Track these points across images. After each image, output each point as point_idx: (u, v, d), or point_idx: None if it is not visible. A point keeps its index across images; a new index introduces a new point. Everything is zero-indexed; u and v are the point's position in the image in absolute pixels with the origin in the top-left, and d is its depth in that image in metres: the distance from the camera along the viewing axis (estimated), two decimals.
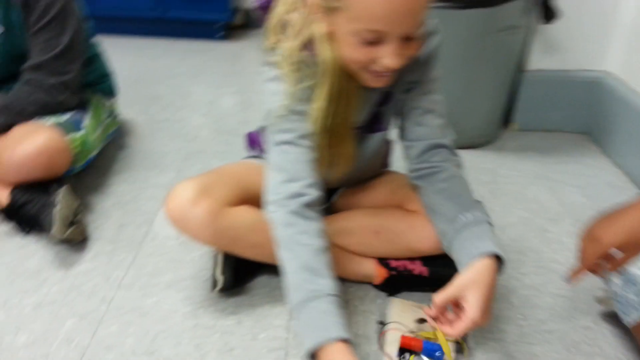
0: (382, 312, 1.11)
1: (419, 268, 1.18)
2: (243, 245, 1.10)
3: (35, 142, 1.30)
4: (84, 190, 1.50)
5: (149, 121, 1.95)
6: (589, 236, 0.89)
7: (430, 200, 1.07)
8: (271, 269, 1.20)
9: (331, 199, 1.28)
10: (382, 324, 1.08)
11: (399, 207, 1.18)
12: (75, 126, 1.43)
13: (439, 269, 1.16)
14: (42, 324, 1.09)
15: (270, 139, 1.01)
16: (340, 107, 1.00)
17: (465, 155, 1.76)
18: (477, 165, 1.77)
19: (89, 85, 1.60)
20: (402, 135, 1.12)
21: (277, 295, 1.18)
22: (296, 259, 0.94)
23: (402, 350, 1.00)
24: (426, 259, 1.17)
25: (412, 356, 0.98)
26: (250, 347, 1.06)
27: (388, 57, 0.88)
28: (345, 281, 1.21)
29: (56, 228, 1.21)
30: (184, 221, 1.06)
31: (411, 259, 1.18)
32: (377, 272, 1.18)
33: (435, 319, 0.94)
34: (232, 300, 1.17)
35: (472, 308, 0.88)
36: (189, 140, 1.83)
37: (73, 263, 1.26)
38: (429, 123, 1.08)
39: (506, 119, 1.99)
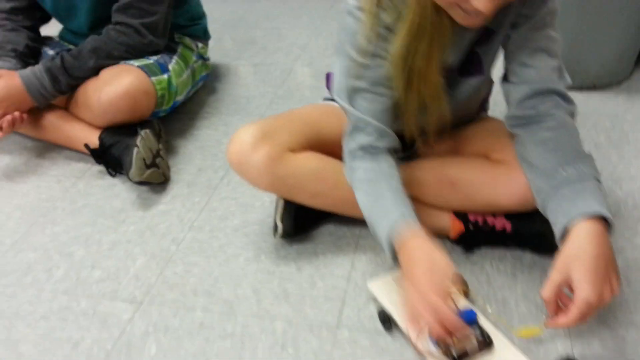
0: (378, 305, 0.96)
1: (501, 223, 1.04)
2: (304, 194, 1.04)
3: (121, 84, 1.33)
4: (170, 133, 1.54)
5: (241, 65, 1.94)
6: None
7: (528, 152, 0.92)
8: (337, 218, 1.15)
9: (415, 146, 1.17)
10: (386, 321, 0.92)
11: (485, 156, 1.04)
12: (161, 69, 1.44)
13: (524, 224, 1.01)
14: (116, 261, 1.13)
15: (344, 84, 0.93)
16: (425, 45, 0.86)
17: (586, 97, 1.57)
18: (599, 108, 1.53)
19: (179, 28, 1.60)
20: (506, 77, 0.96)
21: (341, 245, 1.12)
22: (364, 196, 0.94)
23: (439, 341, 0.82)
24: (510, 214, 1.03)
25: (454, 338, 0.81)
26: (307, 294, 1.01)
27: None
28: None
29: (133, 170, 1.24)
30: (243, 166, 1.02)
31: (495, 214, 1.04)
32: (452, 226, 1.06)
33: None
34: (295, 247, 1.12)
35: (581, 288, 0.76)
36: (278, 84, 1.79)
37: (152, 204, 1.29)
38: (539, 64, 0.91)
39: None
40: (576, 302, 0.76)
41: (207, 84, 1.79)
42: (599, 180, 0.84)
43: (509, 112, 0.96)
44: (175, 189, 1.34)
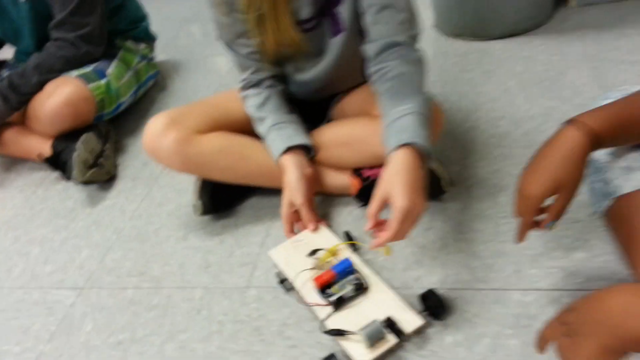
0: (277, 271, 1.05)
1: None
2: (214, 170, 1.15)
3: (61, 94, 1.47)
4: (121, 133, 1.66)
5: (192, 60, 2.05)
6: (518, 192, 0.76)
7: (380, 103, 1.01)
8: (260, 192, 1.25)
9: (328, 113, 1.27)
10: (283, 281, 1.02)
11: (368, 114, 1.14)
12: (98, 75, 1.57)
13: None
14: (65, 255, 1.27)
15: (222, 37, 1.12)
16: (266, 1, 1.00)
17: (504, 45, 1.63)
18: (515, 54, 1.59)
19: (120, 32, 1.72)
20: (364, 37, 1.06)
21: (260, 216, 1.23)
22: (250, 110, 1.15)
23: (323, 290, 0.93)
24: None
25: (334, 287, 0.93)
26: (225, 263, 1.13)
27: None
28: (326, 195, 1.21)
29: (75, 172, 1.37)
30: (155, 151, 1.14)
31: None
32: (352, 183, 1.16)
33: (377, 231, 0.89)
34: (220, 223, 1.24)
35: (396, 199, 0.83)
36: (222, 74, 1.90)
37: (99, 200, 1.43)
38: (386, 20, 1.00)
39: None
40: (394, 212, 0.83)
41: (158, 82, 1.91)
42: (420, 113, 0.92)
43: (368, 70, 1.04)
44: (121, 184, 1.47)
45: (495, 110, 1.37)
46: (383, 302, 0.91)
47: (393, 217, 0.84)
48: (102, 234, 1.31)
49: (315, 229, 1.07)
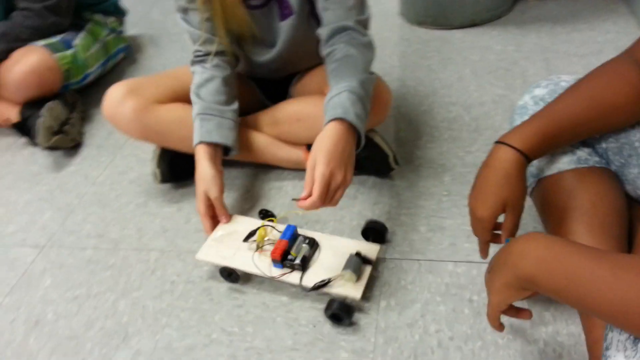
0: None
1: None
2: (172, 139, 1.20)
3: (27, 63, 1.49)
4: (88, 103, 1.69)
5: (164, 35, 2.07)
6: (471, 215, 0.82)
7: (329, 83, 1.06)
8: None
9: (288, 91, 1.32)
10: (230, 274, 1.02)
11: (320, 92, 1.19)
12: (65, 45, 1.59)
13: (363, 151, 1.17)
14: (28, 216, 1.31)
15: (176, 6, 1.13)
16: None
17: (464, 34, 1.70)
18: (473, 44, 1.66)
19: (89, 6, 1.74)
20: (318, 21, 1.11)
21: None
22: (191, 88, 1.15)
23: (283, 260, 0.96)
24: None
25: (292, 253, 0.97)
26: (182, 228, 1.19)
27: None
28: (281, 168, 1.27)
29: (40, 137, 1.41)
30: (114, 118, 1.19)
31: None
32: (305, 157, 1.22)
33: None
34: (180, 191, 1.29)
35: (318, 166, 0.87)
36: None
37: (64, 166, 1.46)
38: (335, 6, 1.04)
39: None
40: (315, 177, 0.86)
41: (128, 55, 1.94)
42: (352, 92, 0.95)
43: (321, 52, 1.08)
44: (86, 151, 1.51)
45: (449, 96, 1.44)
46: (337, 247, 0.99)
47: (315, 182, 0.86)
48: (65, 198, 1.35)
49: (227, 221, 1.09)
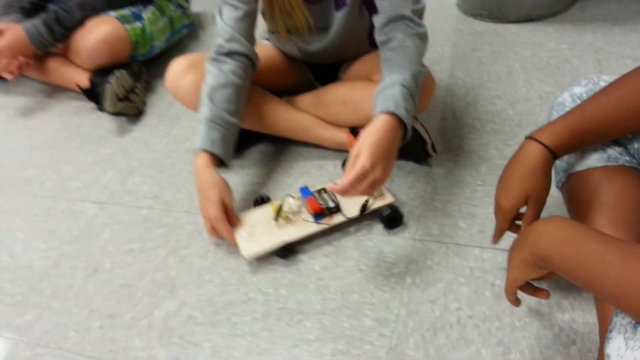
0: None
1: None
2: None
3: (100, 32, 1.62)
4: (152, 75, 1.81)
5: None
6: (495, 204, 0.86)
7: (382, 71, 1.10)
8: (268, 138, 1.38)
9: (338, 74, 1.38)
10: (288, 249, 1.09)
11: (368, 79, 1.25)
12: (135, 17, 1.71)
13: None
14: (92, 175, 1.44)
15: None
16: None
17: (519, 29, 1.71)
18: (527, 39, 1.67)
19: None
20: (369, 11, 1.16)
21: (265, 160, 1.37)
22: (204, 87, 1.17)
23: (321, 212, 1.09)
24: None
25: (322, 203, 1.10)
26: None
27: None
28: (323, 148, 1.34)
29: (107, 103, 1.53)
30: (176, 91, 1.28)
31: None
32: (348, 140, 1.29)
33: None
34: (233, 162, 1.38)
35: (361, 157, 0.91)
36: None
37: (127, 132, 1.58)
38: None
39: None
40: (355, 165, 0.90)
41: (192, 32, 2.04)
42: (404, 86, 0.99)
43: (376, 39, 1.12)
44: (148, 120, 1.62)
45: (496, 89, 1.47)
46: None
47: (354, 168, 0.90)
48: (126, 161, 1.47)
49: (238, 224, 1.12)
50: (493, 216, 1.10)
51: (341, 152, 1.32)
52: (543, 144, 0.81)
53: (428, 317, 0.94)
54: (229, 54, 1.16)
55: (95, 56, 1.62)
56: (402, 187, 1.22)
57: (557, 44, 1.62)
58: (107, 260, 1.17)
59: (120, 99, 1.56)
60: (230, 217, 1.11)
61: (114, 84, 1.55)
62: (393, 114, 0.97)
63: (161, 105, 1.68)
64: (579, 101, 0.96)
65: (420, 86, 1.06)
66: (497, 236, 0.90)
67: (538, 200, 0.83)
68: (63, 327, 1.04)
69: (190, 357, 0.95)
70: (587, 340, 0.85)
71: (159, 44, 1.81)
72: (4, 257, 1.23)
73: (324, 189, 1.13)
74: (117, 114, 1.57)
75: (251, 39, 1.19)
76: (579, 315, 0.89)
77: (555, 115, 0.99)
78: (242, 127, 1.29)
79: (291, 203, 1.12)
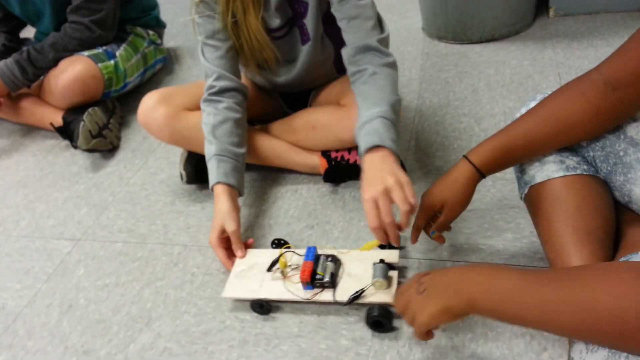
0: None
1: (353, 157, 1.27)
2: (199, 144, 1.30)
3: (73, 71, 1.63)
4: (127, 110, 1.82)
5: (194, 48, 2.18)
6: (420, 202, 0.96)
7: (358, 106, 1.09)
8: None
9: (309, 101, 1.41)
10: (261, 307, 1.03)
11: (337, 103, 1.28)
12: (108, 56, 1.73)
13: None
14: (66, 211, 1.43)
15: (199, 41, 1.21)
16: (240, 10, 1.13)
17: (482, 48, 1.76)
18: (488, 58, 1.72)
19: (131, 20, 1.88)
20: (335, 43, 1.20)
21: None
22: (205, 127, 1.19)
23: (312, 281, 0.99)
24: None
25: (319, 272, 0.99)
26: (204, 225, 1.29)
27: None
28: (298, 173, 1.36)
29: (80, 140, 1.54)
30: (147, 124, 1.29)
31: (350, 150, 1.28)
32: (320, 163, 1.30)
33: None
34: (204, 192, 1.39)
35: (364, 196, 0.91)
36: None
37: (101, 167, 1.59)
38: (355, 29, 1.09)
39: (542, 3, 1.85)
40: (364, 204, 0.92)
41: (166, 66, 2.07)
42: (386, 118, 1.00)
43: (348, 71, 1.14)
44: (122, 154, 1.63)
45: (462, 107, 1.51)
46: (358, 260, 1.03)
47: (365, 207, 0.90)
48: (100, 196, 1.47)
49: (243, 256, 1.11)
50: (464, 230, 1.13)
51: (314, 175, 1.34)
52: (472, 164, 0.89)
53: (403, 334, 0.94)
54: (221, 92, 1.20)
55: (69, 95, 1.64)
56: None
57: (520, 61, 1.67)
58: (82, 296, 1.16)
59: (93, 136, 1.57)
60: (234, 244, 1.11)
61: (87, 121, 1.56)
62: (379, 147, 0.97)
63: (135, 139, 1.69)
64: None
65: (399, 115, 1.07)
66: (414, 234, 0.99)
67: (452, 209, 0.92)
68: None
69: None
70: (557, 347, 0.87)
71: (132, 79, 1.83)
72: None
73: (333, 256, 1.03)
74: (90, 150, 1.58)
75: (237, 73, 1.23)
76: None
77: None
78: (202, 153, 1.30)
79: (290, 260, 1.07)
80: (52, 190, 1.53)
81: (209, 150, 1.17)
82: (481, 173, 0.89)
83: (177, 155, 1.52)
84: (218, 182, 1.14)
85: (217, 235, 1.11)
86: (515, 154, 0.88)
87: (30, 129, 1.85)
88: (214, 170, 1.15)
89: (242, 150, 1.20)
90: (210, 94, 1.20)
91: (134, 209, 1.39)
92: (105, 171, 1.57)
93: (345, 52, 1.12)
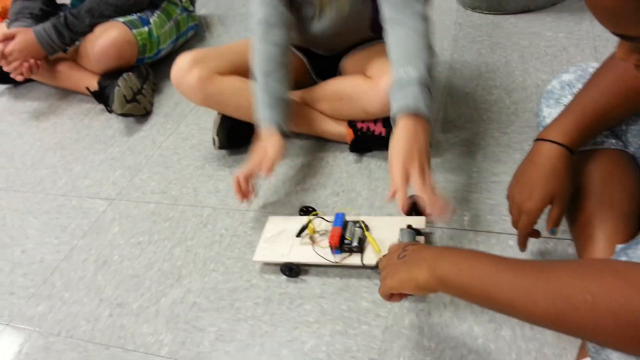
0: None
1: (379, 128, 1.28)
2: (229, 107, 1.33)
3: (108, 36, 1.67)
4: (159, 76, 1.86)
5: (230, 16, 2.21)
6: (517, 209, 0.85)
7: (390, 52, 1.07)
8: None
9: (338, 68, 1.41)
10: (291, 269, 1.05)
11: (363, 73, 1.28)
12: (142, 22, 1.76)
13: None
14: (102, 173, 1.49)
15: None
16: None
17: (517, 19, 1.73)
18: (525, 29, 1.69)
19: None
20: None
21: None
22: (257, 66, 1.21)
23: (341, 245, 1.01)
24: (386, 121, 1.26)
25: (347, 238, 1.02)
26: (231, 189, 1.30)
27: None
28: (325, 140, 1.38)
29: (115, 104, 1.58)
30: (180, 86, 1.32)
31: (375, 122, 1.29)
32: (347, 132, 1.32)
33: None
34: (233, 157, 1.43)
35: (392, 176, 0.93)
36: None
37: (135, 132, 1.63)
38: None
39: None
40: (391, 180, 0.94)
41: (197, 33, 2.09)
42: (421, 84, 1.00)
43: (382, 18, 1.11)
44: (155, 119, 1.67)
45: (493, 79, 1.49)
46: (386, 226, 1.05)
47: (391, 181, 0.93)
48: (134, 159, 1.51)
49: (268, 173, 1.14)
50: (488, 201, 1.13)
51: (340, 143, 1.36)
52: (558, 143, 0.82)
53: (422, 298, 0.96)
54: (272, 26, 1.21)
55: (104, 60, 1.68)
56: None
57: (555, 33, 1.63)
58: (116, 253, 1.21)
59: (127, 101, 1.61)
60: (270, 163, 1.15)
61: (122, 86, 1.60)
62: (414, 114, 0.97)
63: (168, 105, 1.73)
64: (567, 88, 0.98)
65: (434, 77, 1.06)
66: (524, 242, 0.89)
67: (563, 199, 0.83)
68: (74, 316, 1.09)
69: (195, 341, 0.99)
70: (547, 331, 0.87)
71: (165, 46, 1.86)
72: (16, 252, 1.28)
73: (361, 222, 1.05)
74: (125, 114, 1.62)
75: (285, 11, 1.22)
76: None
77: (544, 103, 1.01)
78: (241, 118, 1.33)
79: (319, 226, 1.10)
80: (89, 152, 1.59)
81: (260, 91, 1.20)
82: (570, 150, 0.83)
83: (207, 122, 1.56)
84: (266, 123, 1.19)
85: (259, 153, 1.16)
86: (595, 127, 0.84)
87: (67, 93, 1.90)
88: (265, 111, 1.19)
89: (287, 92, 1.24)
90: (260, 25, 1.21)
91: (166, 172, 1.43)
92: (139, 135, 1.61)
93: (383, 5, 1.10)
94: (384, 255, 0.80)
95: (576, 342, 0.84)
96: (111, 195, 1.39)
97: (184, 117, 1.65)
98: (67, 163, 1.56)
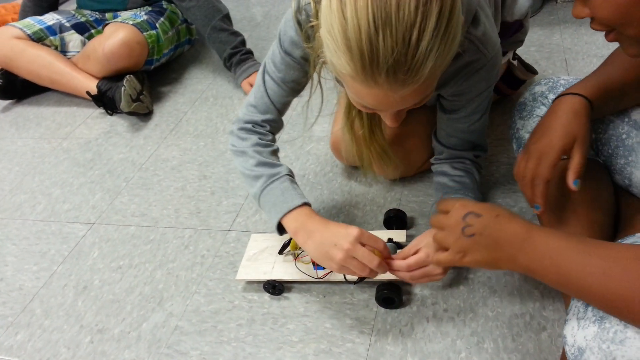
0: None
1: None
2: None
3: (118, 36, 1.70)
4: (157, 84, 1.88)
5: None
6: (533, 153, 0.82)
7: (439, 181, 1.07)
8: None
9: None
10: (274, 287, 1.05)
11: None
12: (150, 26, 1.80)
13: None
14: (81, 196, 1.47)
15: (266, 61, 0.99)
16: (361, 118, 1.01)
17: None
18: None
19: None
20: (436, 130, 1.08)
21: None
22: (252, 159, 0.98)
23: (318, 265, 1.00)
24: None
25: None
26: (213, 210, 1.32)
27: (387, 119, 0.82)
28: (305, 158, 1.38)
29: (123, 102, 1.64)
30: None
31: None
32: None
33: None
34: (215, 177, 1.42)
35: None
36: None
37: (114, 154, 1.62)
38: (460, 141, 1.04)
39: None
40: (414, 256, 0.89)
41: (195, 47, 2.11)
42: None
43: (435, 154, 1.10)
44: (134, 141, 1.67)
45: None
46: None
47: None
48: (113, 182, 1.50)
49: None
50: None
51: (321, 161, 1.36)
52: (580, 95, 0.82)
53: (406, 313, 0.97)
54: (265, 126, 1.03)
55: (115, 59, 1.70)
56: (380, 190, 1.26)
57: (526, 46, 1.67)
58: (97, 278, 1.20)
59: (133, 100, 1.67)
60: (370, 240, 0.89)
61: (127, 86, 1.65)
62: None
63: (147, 126, 1.72)
64: (540, 99, 1.01)
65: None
66: (543, 193, 0.81)
67: (585, 143, 0.79)
68: (54, 344, 1.07)
69: None
70: (557, 326, 0.89)
71: (166, 52, 1.89)
72: None
73: None
74: (131, 113, 1.68)
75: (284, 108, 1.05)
76: (548, 303, 0.93)
77: (517, 116, 1.04)
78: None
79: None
80: (67, 176, 1.57)
81: (274, 171, 0.98)
82: (591, 104, 0.81)
83: (188, 142, 1.57)
84: (304, 204, 0.94)
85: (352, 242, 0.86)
86: (614, 92, 0.84)
87: (44, 117, 1.89)
88: (289, 193, 0.95)
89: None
90: (255, 126, 1.03)
91: (147, 194, 1.43)
92: (119, 157, 1.61)
93: (440, 148, 1.08)
94: (438, 222, 0.76)
95: (557, 353, 0.85)
96: (91, 219, 1.38)
97: (163, 139, 1.64)
98: (45, 188, 1.54)
